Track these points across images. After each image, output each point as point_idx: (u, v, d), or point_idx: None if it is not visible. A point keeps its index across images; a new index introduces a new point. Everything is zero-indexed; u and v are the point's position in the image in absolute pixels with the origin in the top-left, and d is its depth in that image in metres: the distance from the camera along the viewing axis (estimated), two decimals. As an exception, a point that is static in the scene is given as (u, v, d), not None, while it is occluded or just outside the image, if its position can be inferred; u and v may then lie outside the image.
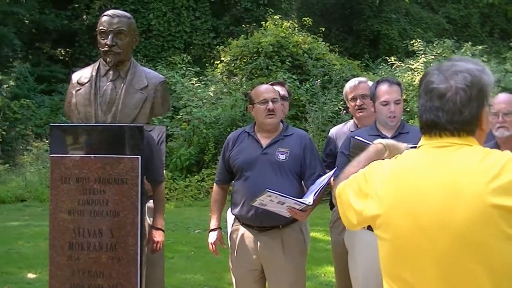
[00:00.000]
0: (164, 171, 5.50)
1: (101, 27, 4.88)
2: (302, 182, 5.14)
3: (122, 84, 4.88)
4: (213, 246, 5.32)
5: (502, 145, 4.79)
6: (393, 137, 4.88)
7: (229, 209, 5.52)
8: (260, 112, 5.14)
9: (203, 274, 8.47)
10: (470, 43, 22.90)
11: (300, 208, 4.75)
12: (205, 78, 18.83)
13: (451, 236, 2.28)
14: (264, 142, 5.15)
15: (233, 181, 5.33)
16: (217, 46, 20.92)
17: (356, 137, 4.74)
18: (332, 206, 5.68)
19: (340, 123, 6.62)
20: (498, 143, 4.81)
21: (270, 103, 5.10)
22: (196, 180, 15.17)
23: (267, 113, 5.11)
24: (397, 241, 2.44)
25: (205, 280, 8.21)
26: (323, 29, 21.03)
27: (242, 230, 5.17)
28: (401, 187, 2.44)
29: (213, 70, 19.27)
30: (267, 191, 4.60)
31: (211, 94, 17.60)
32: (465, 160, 2.35)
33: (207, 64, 20.66)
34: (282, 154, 5.07)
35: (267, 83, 5.39)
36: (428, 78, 2.49)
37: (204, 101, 17.15)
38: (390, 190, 2.47)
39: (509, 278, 2.28)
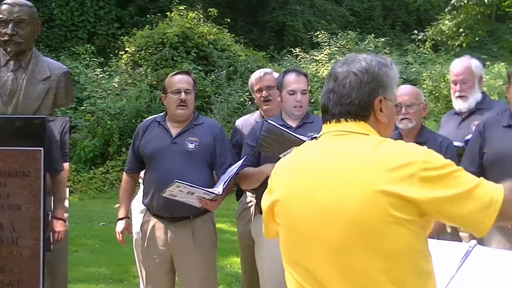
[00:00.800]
0: (68, 163, 5.39)
1: (0, 16, 4.74)
2: (214, 171, 5.14)
3: (24, 75, 4.76)
4: (120, 235, 5.28)
5: (405, 136, 4.89)
6: (297, 127, 4.94)
7: (134, 199, 5.47)
8: (172, 102, 5.11)
9: (108, 267, 8.35)
10: (373, 35, 23.35)
11: (210, 198, 4.77)
12: (110, 69, 18.55)
13: (344, 223, 2.31)
14: (174, 131, 5.12)
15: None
16: (122, 37, 20.61)
17: (269, 121, 4.78)
18: (239, 197, 5.70)
19: (245, 114, 6.64)
20: (401, 135, 4.91)
21: (183, 93, 5.08)
22: (100, 172, 14.93)
23: (179, 104, 5.08)
24: (293, 228, 2.47)
25: (110, 273, 8.10)
26: (229, 20, 21.02)
27: (153, 221, 5.12)
28: (298, 176, 2.48)
29: (118, 61, 19.00)
30: (176, 181, 4.60)
31: (116, 85, 17.37)
32: (359, 148, 2.39)
33: (111, 55, 20.34)
34: (191, 143, 5.04)
35: (172, 74, 5.33)
36: (334, 65, 2.58)
37: (109, 92, 16.91)
38: (288, 178, 2.52)
39: (400, 262, 2.31)
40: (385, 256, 2.30)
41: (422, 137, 4.89)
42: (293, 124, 5.01)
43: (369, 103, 2.46)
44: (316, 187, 2.40)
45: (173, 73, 5.36)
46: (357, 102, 2.45)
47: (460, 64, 5.70)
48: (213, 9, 21.04)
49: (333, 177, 2.38)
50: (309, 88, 5.32)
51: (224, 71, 17.25)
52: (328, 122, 2.52)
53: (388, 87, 2.51)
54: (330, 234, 2.35)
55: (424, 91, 17.53)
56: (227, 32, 19.91)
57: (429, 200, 2.29)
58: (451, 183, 2.32)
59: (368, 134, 2.45)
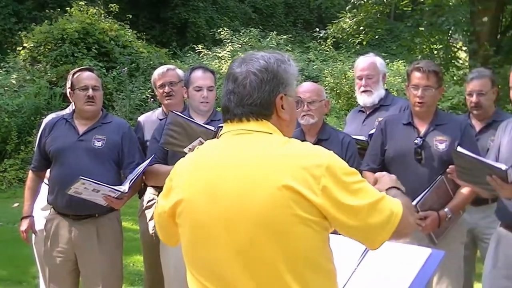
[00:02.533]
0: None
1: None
2: (121, 170, 5.10)
3: None
4: (24, 233, 5.20)
5: (307, 133, 4.93)
6: (206, 123, 4.92)
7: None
8: (80, 98, 5.05)
9: (6, 269, 8.13)
10: (275, 32, 23.54)
11: (116, 196, 4.73)
12: (7, 65, 18.02)
13: (250, 222, 2.30)
14: (81, 129, 5.07)
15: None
16: (19, 32, 20.05)
17: (175, 112, 4.76)
18: (141, 194, 5.65)
19: (148, 111, 6.59)
20: (303, 131, 4.95)
21: (91, 90, 5.03)
22: (-3, 171, 14.50)
23: (86, 100, 5.03)
24: (197, 228, 2.43)
25: (8, 275, 7.89)
26: (130, 17, 20.79)
27: (57, 219, 5.04)
28: (201, 175, 2.44)
29: (15, 57, 18.47)
30: (81, 178, 4.54)
31: (13, 82, 16.88)
32: (263, 147, 2.37)
33: (8, 51, 19.75)
34: (98, 141, 5.00)
35: (76, 70, 5.25)
36: (231, 64, 2.53)
37: (6, 88, 16.42)
38: (190, 177, 2.47)
39: (305, 261, 2.32)
40: (291, 255, 2.30)
41: (324, 133, 4.93)
42: (201, 120, 5.01)
43: (270, 102, 2.44)
44: (220, 186, 2.37)
45: (77, 69, 5.30)
46: (259, 102, 2.42)
47: (365, 60, 5.81)
48: (114, 5, 20.74)
49: (237, 175, 2.35)
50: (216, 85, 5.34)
51: (126, 68, 17.04)
52: (229, 121, 2.48)
53: (288, 83, 2.49)
54: (236, 234, 2.32)
55: (326, 88, 17.77)
56: (129, 28, 19.68)
57: (327, 206, 2.29)
58: (354, 193, 2.33)
59: (271, 133, 2.43)
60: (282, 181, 2.26)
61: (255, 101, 2.42)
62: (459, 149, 4.18)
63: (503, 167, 4.02)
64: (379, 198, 2.36)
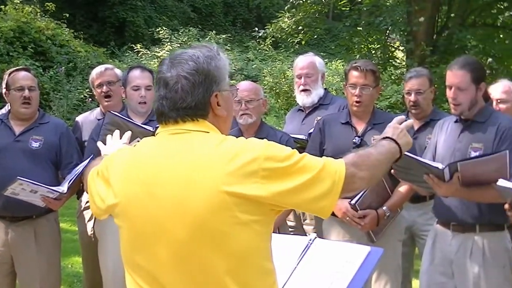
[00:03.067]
0: None
1: None
2: (59, 171, 5.03)
3: None
4: None
5: (245, 132, 4.93)
6: (144, 123, 4.88)
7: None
8: (16, 99, 4.98)
9: None
10: (214, 32, 23.49)
11: (54, 197, 4.66)
12: None
13: (187, 225, 2.27)
14: (18, 129, 4.99)
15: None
16: (-48, 31, 19.58)
17: (112, 112, 4.71)
18: (79, 195, 5.57)
19: (86, 111, 6.53)
20: (241, 130, 4.95)
21: (27, 90, 4.96)
22: None
23: (22, 101, 4.96)
24: (134, 231, 2.39)
25: None
26: (67, 15, 20.46)
27: None
28: (137, 177, 2.39)
29: None
30: (18, 179, 4.47)
31: None
32: (200, 147, 2.35)
33: None
34: (35, 142, 4.94)
35: (12, 70, 5.15)
36: (160, 67, 2.47)
37: None
38: (126, 179, 2.42)
39: (245, 262, 2.31)
40: (230, 257, 2.28)
41: (262, 132, 4.94)
42: (139, 121, 4.96)
43: (205, 102, 2.40)
44: (156, 187, 2.33)
45: (13, 69, 5.21)
46: (193, 105, 2.38)
47: (304, 60, 5.86)
48: (51, 3, 20.40)
49: (174, 177, 2.32)
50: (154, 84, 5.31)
51: (63, 67, 16.80)
52: (164, 123, 2.44)
53: (221, 79, 2.45)
54: (173, 235, 2.29)
55: (265, 87, 17.80)
56: (66, 27, 19.37)
57: (274, 194, 2.29)
58: (295, 173, 2.34)
59: (208, 132, 2.40)
60: (221, 185, 2.25)
61: (189, 104, 2.38)
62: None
63: (440, 166, 4.08)
64: (320, 169, 2.40)
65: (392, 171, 4.42)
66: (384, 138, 2.81)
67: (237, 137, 2.43)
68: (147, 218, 2.34)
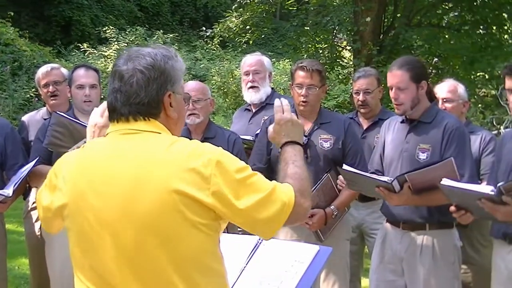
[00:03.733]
0: None
1: None
2: (4, 172, 4.93)
3: None
4: None
5: (193, 131, 4.92)
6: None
7: None
8: None
9: None
10: (161, 31, 23.37)
11: None
12: None
13: (137, 225, 2.26)
14: None
15: None
16: None
17: (58, 112, 4.66)
18: (26, 196, 5.50)
19: (32, 111, 6.44)
20: (189, 130, 4.93)
21: None
22: None
23: None
24: (83, 232, 2.36)
25: None
26: (12, 14, 20.14)
27: None
28: (87, 178, 2.36)
29: None
30: None
31: None
32: (151, 148, 2.33)
33: None
34: None
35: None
36: (117, 61, 2.45)
37: None
38: (75, 181, 2.39)
39: (194, 264, 2.31)
40: (179, 258, 2.28)
41: (210, 132, 4.93)
42: (86, 120, 4.88)
43: (158, 100, 2.38)
44: (106, 188, 2.31)
45: None
46: (146, 101, 2.36)
47: (253, 58, 5.90)
48: (-5, 2, 20.11)
49: (125, 178, 2.29)
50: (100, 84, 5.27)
51: (8, 67, 16.53)
52: (115, 121, 2.41)
53: (176, 80, 2.44)
54: (123, 237, 2.27)
55: (213, 87, 17.79)
56: (11, 26, 19.07)
57: (219, 206, 2.28)
58: (246, 190, 2.33)
59: (160, 133, 2.38)
60: (172, 185, 2.23)
61: (142, 100, 2.35)
62: (345, 167, 4.27)
63: (388, 179, 4.13)
64: (270, 191, 2.37)
65: (338, 182, 4.46)
66: (285, 144, 2.79)
67: (186, 137, 2.41)
68: (96, 220, 2.31)
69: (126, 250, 2.28)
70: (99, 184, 2.33)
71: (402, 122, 4.58)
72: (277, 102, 2.92)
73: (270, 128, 2.92)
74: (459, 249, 4.54)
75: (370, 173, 4.55)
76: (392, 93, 4.45)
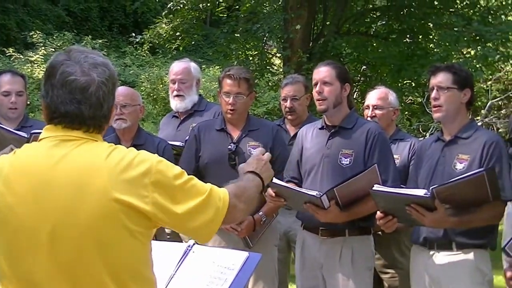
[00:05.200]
0: None
1: None
2: None
3: None
4: None
5: (122, 137, 4.88)
6: (17, 130, 4.73)
7: None
8: None
9: None
10: (90, 36, 23.06)
11: None
12: None
13: (76, 235, 2.24)
14: None
15: None
16: None
17: None
18: None
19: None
20: (118, 136, 4.88)
21: None
22: None
23: None
24: (16, 240, 2.31)
25: None
26: None
27: None
28: (22, 183, 2.31)
29: None
30: None
31: None
32: (91, 155, 2.32)
33: None
34: None
35: None
36: (64, 68, 2.36)
37: None
38: (7, 185, 2.33)
39: (129, 273, 2.31)
40: (117, 267, 2.28)
41: (139, 139, 4.90)
42: (11, 126, 4.81)
43: (111, 112, 2.43)
44: (45, 194, 2.28)
45: None
46: (107, 113, 2.40)
47: (179, 65, 5.83)
48: None
49: (65, 184, 2.27)
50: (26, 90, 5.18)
51: None
52: (54, 124, 2.38)
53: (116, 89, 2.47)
54: (61, 244, 2.25)
55: (142, 93, 17.62)
56: None
57: (158, 213, 2.31)
58: (183, 196, 2.38)
59: (96, 140, 2.38)
60: (112, 193, 2.24)
61: (105, 112, 2.39)
62: (275, 180, 4.29)
63: (317, 193, 4.16)
64: (207, 195, 2.43)
65: (267, 195, 4.48)
66: (248, 171, 2.82)
67: (115, 143, 2.42)
68: (32, 226, 2.28)
69: (64, 257, 2.26)
70: (39, 190, 2.29)
71: (321, 128, 4.63)
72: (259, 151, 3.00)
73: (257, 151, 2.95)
74: (374, 255, 4.65)
75: (286, 181, 4.57)
76: (317, 88, 4.48)
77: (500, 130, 14.30)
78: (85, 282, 2.27)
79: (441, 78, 4.17)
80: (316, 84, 4.49)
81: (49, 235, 2.26)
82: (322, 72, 4.49)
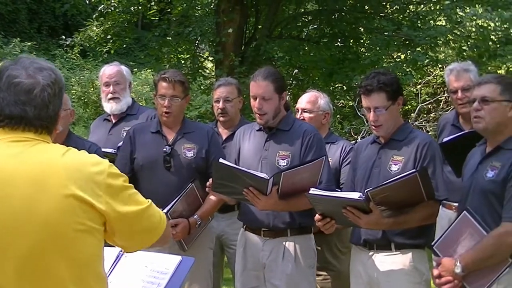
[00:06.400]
0: None
1: None
2: None
3: None
4: None
5: (54, 141, 4.79)
6: None
7: None
8: None
9: None
10: (18, 39, 22.67)
11: None
12: None
13: (35, 229, 2.26)
14: None
15: None
16: None
17: None
18: None
19: None
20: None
21: None
22: None
23: None
24: None
25: None
26: None
27: None
28: None
29: None
30: None
31: None
32: (47, 153, 2.37)
33: None
34: None
35: None
36: (10, 72, 2.41)
37: None
38: None
39: (87, 270, 2.35)
40: (75, 264, 2.31)
41: (70, 143, 4.76)
42: None
43: (58, 114, 2.48)
44: (3, 192, 2.29)
45: None
46: (52, 115, 2.43)
47: (112, 68, 5.82)
48: None
49: (22, 182, 2.29)
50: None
51: None
52: (2, 128, 2.41)
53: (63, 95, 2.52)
54: (18, 242, 2.26)
55: (73, 97, 17.42)
56: None
57: (110, 212, 2.36)
58: (131, 200, 2.45)
59: (48, 142, 2.44)
60: (70, 190, 2.28)
61: (50, 114, 2.42)
62: (221, 160, 4.29)
63: (265, 176, 4.19)
64: (149, 205, 2.52)
65: (207, 188, 4.47)
66: None
67: None
68: None
69: (22, 253, 2.27)
70: None
71: (258, 130, 4.67)
72: None
73: None
74: (316, 254, 4.70)
75: None
76: (256, 103, 4.53)
77: (429, 133, 14.56)
78: (43, 278, 2.28)
79: (376, 99, 4.24)
80: (255, 98, 4.53)
81: (6, 232, 2.27)
82: (261, 87, 4.53)
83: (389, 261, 4.21)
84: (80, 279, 2.33)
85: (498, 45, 12.83)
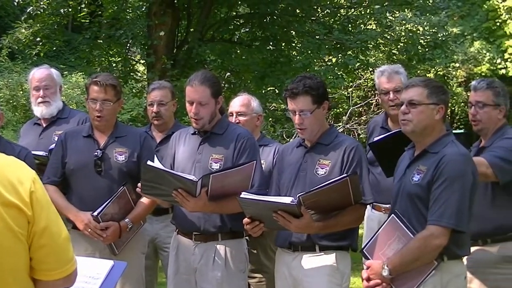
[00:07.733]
0: None
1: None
2: None
3: None
4: None
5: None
6: None
7: None
8: None
9: None
10: None
11: None
12: None
13: None
14: None
15: None
16: None
17: None
18: None
19: None
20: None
21: None
22: None
23: None
24: None
25: None
26: None
27: None
28: None
29: None
30: None
31: None
32: None
33: None
34: None
35: None
36: None
37: None
38: None
39: (20, 277, 2.32)
40: (10, 272, 2.27)
41: (-2, 147, 4.74)
42: None
43: None
44: None
45: None
46: None
47: (42, 71, 5.76)
48: None
49: None
50: None
51: None
52: None
53: None
54: None
55: (1, 100, 17.08)
56: None
57: (38, 219, 2.32)
58: (54, 214, 2.40)
59: None
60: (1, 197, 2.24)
61: None
62: (149, 162, 4.26)
63: (193, 178, 4.18)
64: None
65: (138, 188, 4.44)
66: None
67: None
68: None
69: None
70: None
71: (193, 134, 4.68)
72: None
73: None
74: (248, 258, 4.72)
75: None
76: (193, 108, 4.52)
77: (361, 136, 14.77)
78: None
79: (302, 102, 4.29)
80: (191, 103, 4.52)
81: None
82: (198, 92, 4.52)
83: (313, 262, 4.28)
84: (6, 284, 2.28)
85: (427, 49, 13.13)
